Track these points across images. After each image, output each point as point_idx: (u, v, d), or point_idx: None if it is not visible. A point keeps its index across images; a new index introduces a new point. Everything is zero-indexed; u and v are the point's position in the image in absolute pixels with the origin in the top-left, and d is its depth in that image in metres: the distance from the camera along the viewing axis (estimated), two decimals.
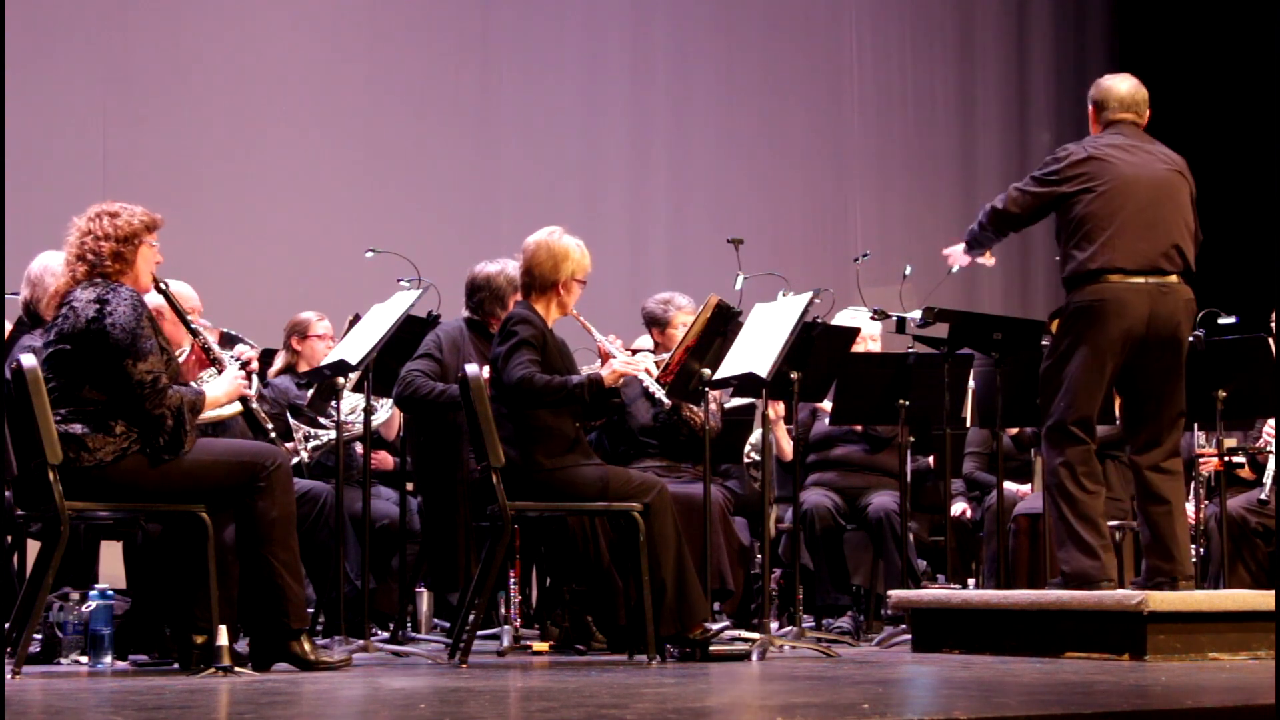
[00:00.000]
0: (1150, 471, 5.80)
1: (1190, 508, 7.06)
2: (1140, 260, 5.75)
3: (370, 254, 6.89)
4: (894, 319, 6.87)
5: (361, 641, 5.85)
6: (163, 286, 5.29)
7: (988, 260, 6.28)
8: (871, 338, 7.37)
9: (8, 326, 5.93)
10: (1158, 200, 5.81)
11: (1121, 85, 6.01)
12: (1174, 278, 5.80)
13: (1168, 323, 5.77)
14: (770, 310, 6.30)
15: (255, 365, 5.66)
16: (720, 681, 4.71)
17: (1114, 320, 5.71)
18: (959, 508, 7.63)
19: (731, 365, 6.13)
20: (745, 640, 5.85)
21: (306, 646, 5.10)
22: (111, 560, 6.32)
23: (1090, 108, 6.04)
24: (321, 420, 6.71)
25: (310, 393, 6.72)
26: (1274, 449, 6.93)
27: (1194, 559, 6.90)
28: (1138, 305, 5.73)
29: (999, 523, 6.98)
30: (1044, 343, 6.55)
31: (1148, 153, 5.90)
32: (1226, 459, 6.85)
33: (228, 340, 5.74)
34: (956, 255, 6.30)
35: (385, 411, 6.93)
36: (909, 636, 6.22)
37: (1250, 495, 6.99)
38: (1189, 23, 11.43)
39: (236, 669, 4.92)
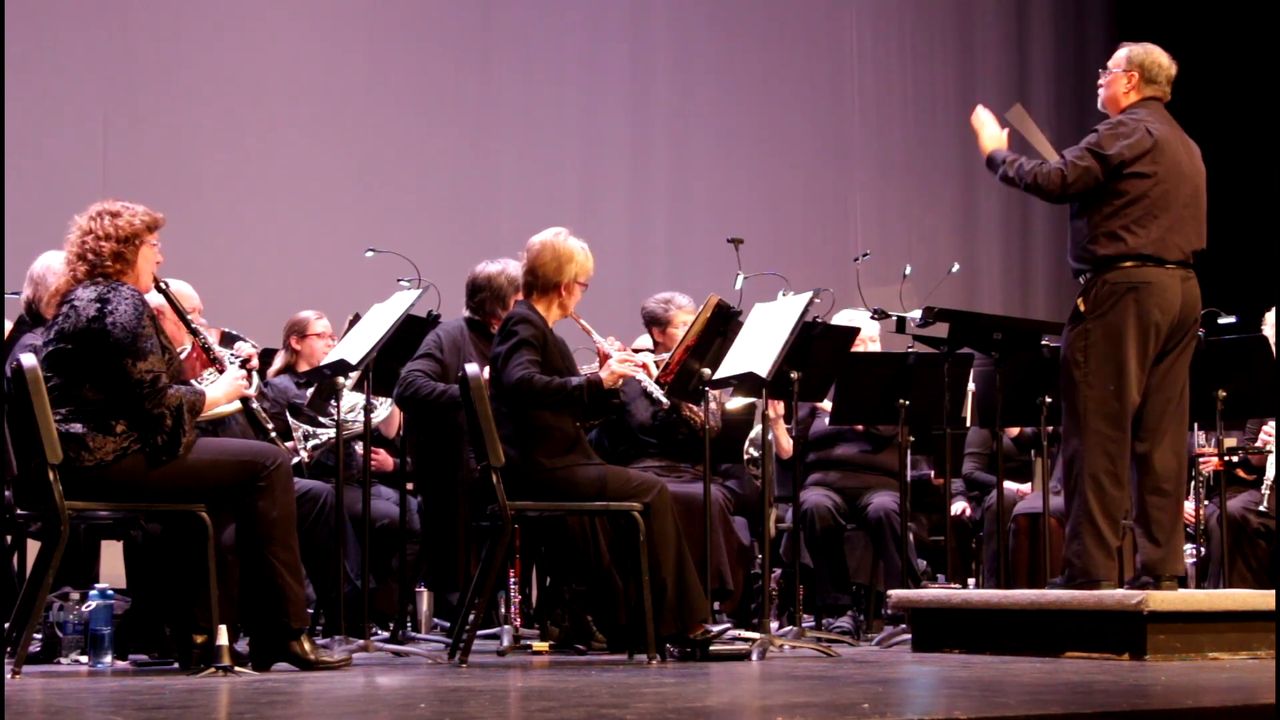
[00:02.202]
0: (1158, 461, 5.78)
1: (1190, 507, 7.07)
2: (1178, 253, 5.78)
3: (370, 254, 6.89)
4: (894, 319, 6.87)
5: (361, 641, 5.85)
6: (163, 286, 5.30)
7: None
8: (871, 338, 7.37)
9: (8, 326, 5.93)
10: (1196, 194, 5.86)
11: (1167, 60, 5.94)
12: (1192, 268, 5.84)
13: (1193, 310, 5.82)
14: (770, 310, 6.30)
15: (255, 363, 5.66)
16: (720, 681, 4.71)
17: (1158, 304, 5.71)
18: (959, 508, 7.63)
19: (732, 365, 6.13)
20: (745, 640, 5.86)
21: (306, 646, 5.10)
22: (111, 560, 6.31)
23: (1133, 73, 5.90)
24: (321, 420, 6.71)
25: (310, 392, 6.72)
26: (1273, 449, 6.93)
27: (1193, 559, 6.91)
28: (1174, 290, 5.76)
29: (999, 523, 6.98)
30: (1049, 341, 6.56)
31: (1186, 141, 5.90)
32: (1226, 459, 6.85)
33: (228, 339, 5.74)
34: (987, 125, 6.05)
35: (385, 409, 6.92)
36: (909, 636, 6.22)
37: (1250, 496, 6.99)
38: (1189, 24, 11.43)
39: (236, 669, 4.92)
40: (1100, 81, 6.01)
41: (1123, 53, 5.96)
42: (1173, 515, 5.78)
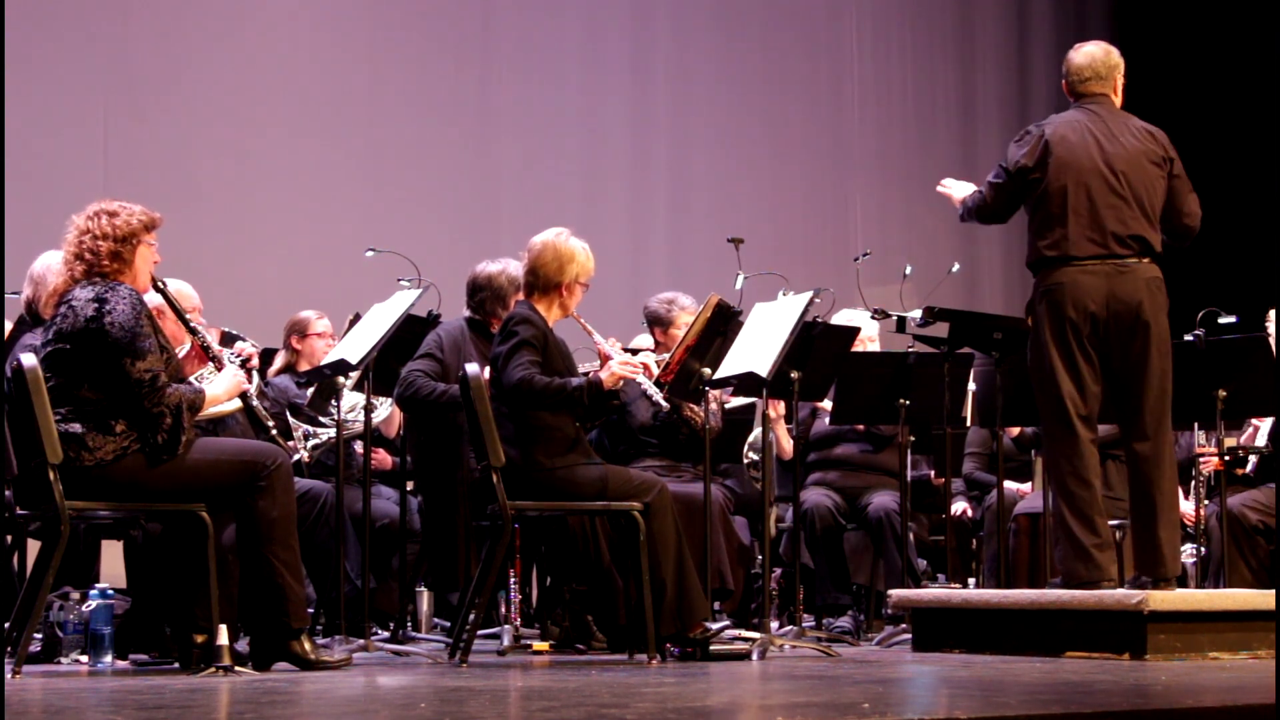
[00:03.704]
0: (1140, 463, 5.75)
1: (1190, 506, 7.07)
2: (1094, 248, 5.72)
3: (370, 254, 6.89)
4: (894, 319, 6.87)
5: (362, 641, 5.85)
6: (161, 285, 5.29)
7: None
8: (871, 338, 7.37)
9: (8, 326, 5.93)
10: (1115, 183, 5.75)
11: (1077, 56, 5.95)
12: (1133, 259, 5.75)
13: (1128, 301, 5.70)
14: (770, 310, 6.30)
15: (255, 362, 5.66)
16: (720, 681, 4.71)
17: (1071, 302, 5.69)
18: (959, 507, 7.63)
19: (732, 365, 6.13)
20: (745, 640, 5.85)
21: (307, 646, 5.10)
22: (111, 560, 6.32)
23: (1064, 82, 6.01)
24: (321, 419, 6.71)
25: (310, 392, 6.72)
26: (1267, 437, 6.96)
27: (1194, 558, 6.91)
28: (1094, 286, 5.70)
29: (999, 523, 6.98)
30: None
31: (1113, 130, 5.83)
32: (1226, 459, 6.86)
33: (228, 339, 5.74)
34: (954, 190, 6.17)
35: (385, 409, 6.93)
36: (909, 636, 6.22)
37: (1250, 494, 6.99)
38: (1189, 23, 11.43)
39: (237, 668, 4.92)
40: None
41: None
42: (1157, 520, 5.68)
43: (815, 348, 6.41)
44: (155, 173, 8.79)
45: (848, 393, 6.90)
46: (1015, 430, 7.51)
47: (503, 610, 6.56)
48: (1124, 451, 5.88)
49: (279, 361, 7.21)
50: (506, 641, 6.17)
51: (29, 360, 4.94)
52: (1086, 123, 5.83)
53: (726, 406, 7.16)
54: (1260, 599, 5.65)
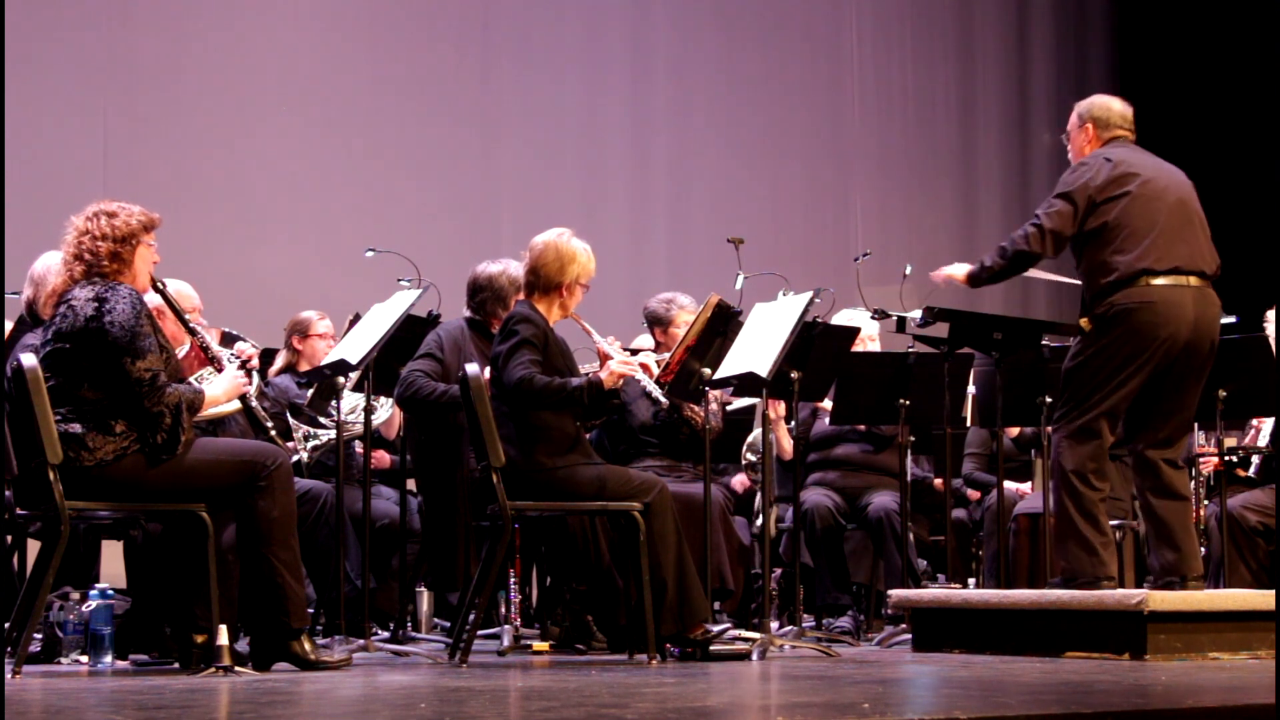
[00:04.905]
0: (1165, 465, 5.80)
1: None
2: (1183, 261, 5.75)
3: (370, 254, 6.89)
4: (894, 319, 6.86)
5: (362, 641, 5.85)
6: (160, 286, 5.30)
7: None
8: (870, 338, 7.37)
9: (8, 326, 5.93)
10: (1186, 207, 5.84)
11: (1118, 104, 6.03)
12: (1210, 283, 5.81)
13: (1210, 328, 5.79)
14: (770, 310, 6.30)
15: (255, 363, 5.67)
16: (720, 681, 4.71)
17: (1163, 322, 5.69)
18: (960, 511, 7.62)
19: (732, 365, 6.13)
20: (745, 640, 5.86)
21: (307, 646, 5.10)
22: (111, 560, 6.32)
23: (1087, 125, 5.97)
24: (321, 420, 6.71)
25: (310, 392, 6.72)
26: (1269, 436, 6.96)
27: None
28: (1185, 307, 5.72)
29: (999, 523, 6.98)
30: (1049, 341, 6.57)
31: (1160, 164, 5.92)
32: (1226, 459, 6.86)
33: (228, 340, 5.75)
34: (952, 273, 6.15)
35: (385, 410, 6.93)
36: (909, 636, 6.22)
37: (1250, 495, 6.99)
38: (1189, 23, 11.43)
39: (237, 669, 4.92)
40: (1067, 145, 6.09)
41: (1075, 112, 6.05)
42: (1187, 517, 5.83)
43: (815, 348, 6.41)
44: (155, 173, 8.80)
45: (848, 393, 6.90)
46: (1015, 430, 7.51)
47: (503, 610, 6.56)
48: (1151, 451, 5.86)
49: (280, 362, 7.21)
50: (506, 641, 6.17)
51: (29, 360, 4.94)
52: (1141, 155, 5.91)
53: (728, 408, 7.16)
54: (1260, 599, 5.66)
